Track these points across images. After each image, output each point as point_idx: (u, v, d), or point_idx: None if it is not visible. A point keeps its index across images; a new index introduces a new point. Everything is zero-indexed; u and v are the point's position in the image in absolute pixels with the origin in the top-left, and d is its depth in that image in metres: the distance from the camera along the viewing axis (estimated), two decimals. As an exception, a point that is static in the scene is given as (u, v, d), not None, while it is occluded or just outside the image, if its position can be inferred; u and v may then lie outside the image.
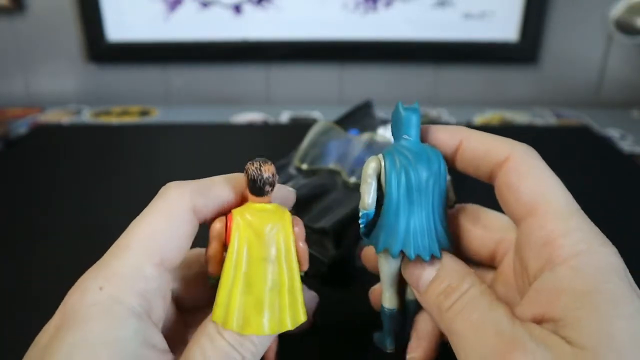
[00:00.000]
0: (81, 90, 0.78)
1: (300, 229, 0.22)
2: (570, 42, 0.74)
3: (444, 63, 0.76)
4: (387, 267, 0.24)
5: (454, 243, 0.23)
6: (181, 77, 0.77)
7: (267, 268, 0.21)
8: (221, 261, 0.22)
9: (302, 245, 0.22)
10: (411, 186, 0.22)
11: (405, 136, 0.23)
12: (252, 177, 0.21)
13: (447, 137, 0.24)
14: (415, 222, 0.22)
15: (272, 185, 0.21)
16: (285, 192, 0.24)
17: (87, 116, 0.71)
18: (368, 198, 0.23)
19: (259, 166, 0.21)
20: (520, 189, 0.21)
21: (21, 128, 0.66)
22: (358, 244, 0.37)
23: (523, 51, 0.73)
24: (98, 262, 0.20)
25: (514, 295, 0.22)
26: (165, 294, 0.21)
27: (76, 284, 0.20)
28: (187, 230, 0.21)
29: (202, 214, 0.22)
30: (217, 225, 0.22)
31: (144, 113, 0.72)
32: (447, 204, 0.24)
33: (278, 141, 0.59)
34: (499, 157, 0.22)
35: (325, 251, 0.35)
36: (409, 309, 0.26)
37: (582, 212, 0.21)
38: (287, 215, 0.22)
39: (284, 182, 0.41)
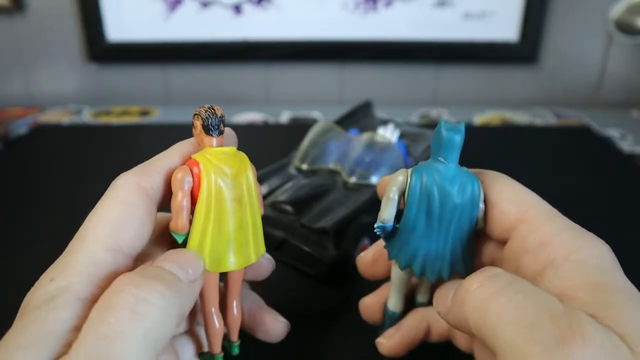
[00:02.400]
0: (81, 90, 0.78)
1: (255, 173, 0.23)
2: (570, 42, 0.74)
3: (444, 63, 0.76)
4: (397, 273, 0.24)
5: (472, 268, 0.22)
6: (181, 77, 0.77)
7: (234, 208, 0.22)
8: (189, 213, 0.21)
9: (259, 187, 0.24)
10: (432, 213, 0.21)
11: (440, 158, 0.21)
12: (207, 115, 0.22)
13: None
14: (429, 246, 0.22)
15: (225, 124, 0.22)
16: (232, 137, 0.25)
17: (87, 116, 0.71)
18: (386, 214, 0.22)
19: (209, 107, 0.22)
20: (502, 202, 0.21)
21: (21, 128, 0.66)
22: (358, 244, 0.37)
23: (523, 51, 0.73)
24: (57, 259, 0.20)
25: None
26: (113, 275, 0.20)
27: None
28: (140, 213, 0.21)
29: (153, 192, 0.21)
30: (179, 175, 0.21)
31: (144, 113, 0.72)
32: (475, 230, 0.23)
33: (278, 141, 0.59)
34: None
35: (325, 251, 0.34)
36: None
37: (561, 214, 0.21)
38: (245, 158, 0.23)
39: (283, 182, 0.41)
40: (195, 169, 0.21)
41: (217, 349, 0.24)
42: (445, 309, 0.21)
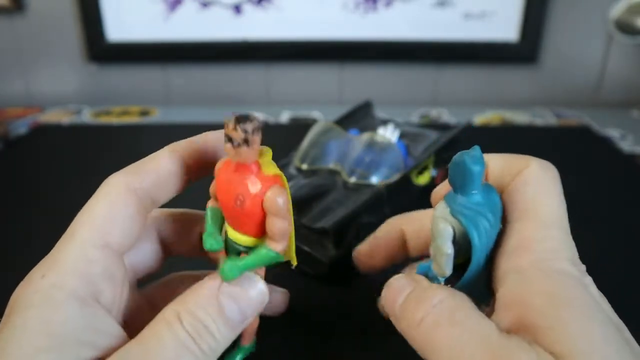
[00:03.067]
0: (81, 90, 0.78)
1: None
2: (570, 42, 0.74)
3: (444, 63, 0.76)
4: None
5: (489, 298, 0.21)
6: (181, 77, 0.77)
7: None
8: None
9: None
10: (489, 243, 0.21)
11: (475, 191, 0.20)
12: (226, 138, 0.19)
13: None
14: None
15: (247, 142, 0.19)
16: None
17: (87, 116, 0.71)
18: (447, 269, 0.21)
19: (232, 127, 0.19)
20: (519, 194, 0.21)
21: (21, 128, 0.66)
22: (358, 244, 0.37)
23: (523, 51, 0.73)
24: (46, 255, 0.20)
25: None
26: (114, 277, 0.20)
27: (25, 278, 0.20)
28: (128, 212, 0.21)
29: (142, 192, 0.22)
30: (282, 200, 0.20)
31: (144, 113, 0.72)
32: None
33: (278, 141, 0.59)
34: (518, 168, 0.22)
35: (326, 251, 0.35)
36: None
37: (567, 229, 0.20)
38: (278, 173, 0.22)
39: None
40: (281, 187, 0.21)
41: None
42: (392, 316, 0.21)
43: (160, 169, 0.22)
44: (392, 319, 0.21)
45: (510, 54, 0.74)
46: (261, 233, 0.21)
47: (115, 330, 0.19)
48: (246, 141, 0.19)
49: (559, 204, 0.21)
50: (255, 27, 0.73)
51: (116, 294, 0.20)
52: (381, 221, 0.28)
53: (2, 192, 0.50)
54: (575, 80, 0.77)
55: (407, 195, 0.42)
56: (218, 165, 0.21)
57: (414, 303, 0.20)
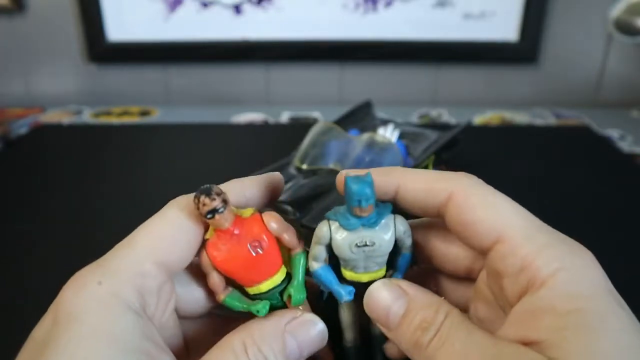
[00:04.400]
0: (81, 91, 0.78)
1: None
2: (570, 42, 0.74)
3: (444, 63, 0.76)
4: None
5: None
6: (181, 77, 0.77)
7: None
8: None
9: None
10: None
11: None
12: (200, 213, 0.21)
13: (382, 183, 0.23)
14: None
15: (225, 202, 0.21)
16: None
17: (87, 116, 0.71)
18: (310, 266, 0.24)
19: (197, 201, 0.20)
20: (475, 223, 0.21)
21: (21, 128, 0.66)
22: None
23: (523, 51, 0.73)
24: (98, 260, 0.20)
25: (496, 313, 0.22)
26: (162, 294, 0.21)
27: (73, 278, 0.20)
28: (190, 238, 0.21)
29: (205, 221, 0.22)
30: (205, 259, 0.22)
31: (144, 113, 0.72)
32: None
33: (278, 141, 0.59)
34: (440, 197, 0.22)
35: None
36: (375, 344, 0.26)
37: (541, 223, 0.20)
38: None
39: (284, 182, 0.41)
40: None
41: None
42: (385, 328, 0.22)
43: (236, 204, 0.23)
44: (384, 329, 0.22)
45: (510, 54, 0.74)
46: (281, 261, 0.23)
47: (162, 343, 0.20)
48: (225, 202, 0.21)
49: (515, 208, 0.21)
50: (255, 27, 0.73)
51: (160, 310, 0.21)
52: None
53: (2, 192, 0.50)
54: (575, 80, 0.77)
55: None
56: (208, 252, 0.22)
57: (418, 321, 0.20)
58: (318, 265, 0.23)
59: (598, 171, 0.54)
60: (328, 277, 0.23)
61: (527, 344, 0.18)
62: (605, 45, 0.75)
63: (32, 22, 0.73)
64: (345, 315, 0.25)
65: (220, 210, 0.20)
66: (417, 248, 0.24)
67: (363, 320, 0.25)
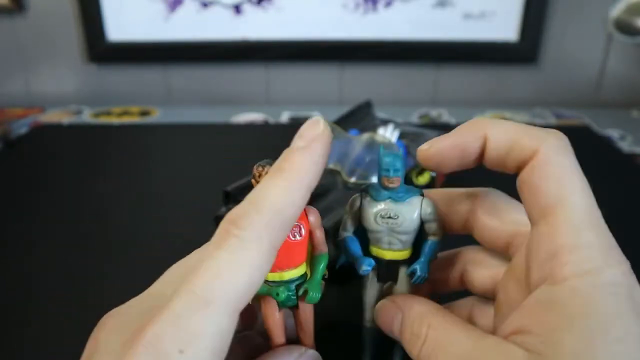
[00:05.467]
0: (81, 91, 0.78)
1: None
2: (570, 42, 0.74)
3: (444, 63, 0.76)
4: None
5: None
6: (181, 77, 0.77)
7: None
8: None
9: None
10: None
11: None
12: None
13: (468, 133, 0.22)
14: None
15: None
16: None
17: (87, 116, 0.71)
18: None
19: (261, 169, 0.21)
20: (540, 190, 0.20)
21: (22, 128, 0.66)
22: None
23: (523, 51, 0.73)
24: (169, 313, 0.17)
25: (522, 293, 0.21)
26: (229, 342, 0.18)
27: (146, 338, 0.17)
28: (263, 274, 0.18)
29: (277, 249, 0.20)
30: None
31: (144, 113, 0.72)
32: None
33: (278, 141, 0.59)
34: (525, 152, 0.20)
35: (325, 251, 0.35)
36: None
37: (601, 221, 0.20)
38: None
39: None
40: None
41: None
42: (394, 336, 0.23)
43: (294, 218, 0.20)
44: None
45: (510, 54, 0.74)
46: (306, 255, 0.23)
47: None
48: None
49: (585, 194, 0.20)
50: (255, 27, 0.73)
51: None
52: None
53: (2, 192, 0.50)
54: (575, 80, 0.77)
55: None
56: None
57: (409, 335, 0.22)
58: (346, 234, 0.24)
59: (598, 171, 0.54)
60: (353, 246, 0.24)
61: (525, 332, 0.18)
62: (605, 45, 0.75)
63: (32, 22, 0.73)
64: (369, 294, 0.26)
65: None
66: (459, 217, 0.25)
67: None
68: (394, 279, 0.25)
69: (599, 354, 0.16)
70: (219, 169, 0.53)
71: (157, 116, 0.71)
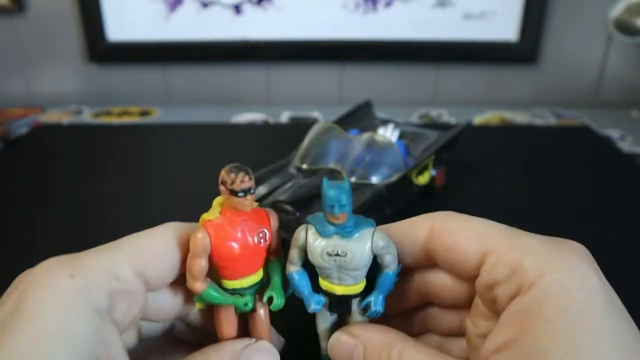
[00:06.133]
0: (81, 91, 0.78)
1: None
2: (570, 42, 0.74)
3: (444, 63, 0.76)
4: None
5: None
6: (181, 77, 0.77)
7: None
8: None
9: None
10: None
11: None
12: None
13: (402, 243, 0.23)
14: None
15: (249, 191, 0.21)
16: None
17: (87, 116, 0.71)
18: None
19: (234, 176, 0.20)
20: (459, 245, 0.21)
21: (21, 128, 0.66)
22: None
23: (523, 51, 0.73)
24: (75, 253, 0.20)
25: (493, 321, 0.21)
26: (133, 303, 0.20)
27: (45, 264, 0.19)
28: (174, 258, 0.21)
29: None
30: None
31: (144, 113, 0.72)
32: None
33: (278, 141, 0.59)
34: (422, 234, 0.22)
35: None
36: None
37: (523, 231, 0.21)
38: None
39: (284, 182, 0.41)
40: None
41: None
42: None
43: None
44: None
45: (510, 54, 0.74)
46: (264, 260, 0.23)
47: (123, 352, 0.19)
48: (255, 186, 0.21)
49: (490, 222, 0.21)
50: (255, 27, 0.73)
51: (127, 320, 0.20)
52: (381, 221, 0.28)
53: (2, 192, 0.50)
54: (575, 80, 0.77)
55: (407, 195, 0.42)
56: (211, 233, 0.21)
57: None
58: (294, 269, 0.23)
59: (598, 171, 0.54)
60: (301, 283, 0.23)
61: (509, 348, 0.18)
62: (605, 45, 0.75)
63: (32, 22, 0.73)
64: (320, 324, 0.24)
65: (252, 191, 0.20)
66: (415, 290, 0.24)
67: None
68: (347, 311, 0.24)
69: (582, 353, 0.16)
70: (219, 169, 0.53)
71: (157, 116, 0.71)
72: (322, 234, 0.21)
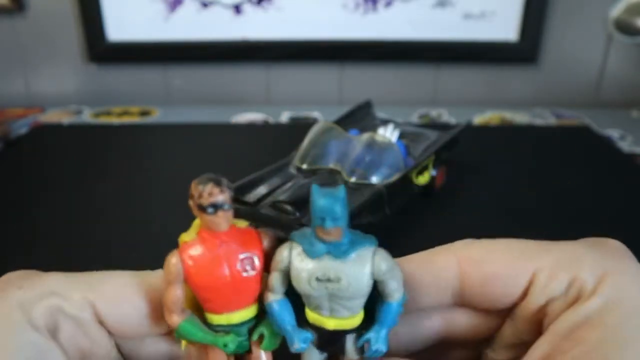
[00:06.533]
0: (81, 91, 0.78)
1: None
2: (570, 42, 0.74)
3: (444, 63, 0.76)
4: None
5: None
6: (181, 77, 0.77)
7: None
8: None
9: None
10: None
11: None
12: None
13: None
14: None
15: (220, 207, 0.17)
16: None
17: (87, 116, 0.71)
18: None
19: (201, 188, 0.17)
20: (502, 270, 0.19)
21: (21, 128, 0.66)
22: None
23: (523, 51, 0.73)
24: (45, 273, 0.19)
25: (521, 352, 0.20)
26: (79, 332, 0.19)
27: (10, 274, 0.19)
28: (134, 297, 0.19)
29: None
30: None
31: (144, 113, 0.72)
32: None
33: (278, 141, 0.59)
34: (449, 268, 0.19)
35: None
36: None
37: (547, 242, 0.19)
38: None
39: (283, 182, 0.41)
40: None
41: None
42: None
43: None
44: None
45: (510, 54, 0.74)
46: (259, 292, 0.19)
47: None
48: (231, 200, 0.17)
49: (515, 242, 0.19)
50: (255, 27, 0.73)
51: (74, 351, 0.19)
52: (381, 221, 0.28)
53: (2, 192, 0.50)
54: (575, 80, 0.77)
55: (407, 196, 0.42)
56: (183, 257, 0.18)
57: None
58: (273, 298, 0.18)
59: (598, 171, 0.54)
60: (283, 315, 0.18)
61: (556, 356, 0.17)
62: (605, 45, 0.75)
63: (32, 22, 0.73)
64: None
65: (225, 207, 0.17)
66: (429, 332, 0.21)
67: None
68: (341, 351, 0.19)
69: None
70: (219, 169, 0.53)
71: (157, 116, 0.71)
72: (310, 254, 0.17)
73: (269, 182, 0.41)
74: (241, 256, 0.18)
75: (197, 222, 0.18)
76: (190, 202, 0.17)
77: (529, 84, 0.77)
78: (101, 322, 0.19)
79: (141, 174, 0.53)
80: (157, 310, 0.19)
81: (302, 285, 0.17)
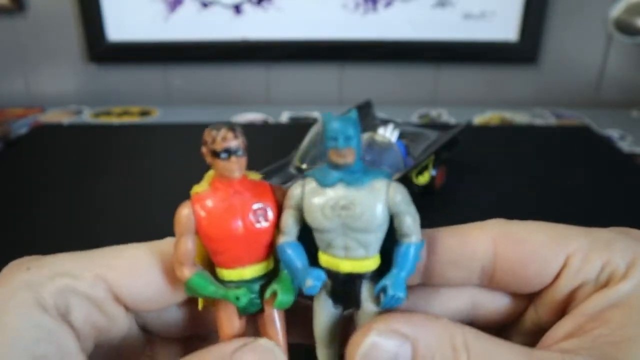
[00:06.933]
0: (81, 91, 0.78)
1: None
2: (570, 42, 0.74)
3: (444, 63, 0.76)
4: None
5: None
6: (181, 77, 0.77)
7: None
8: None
9: None
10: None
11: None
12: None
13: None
14: None
15: (234, 152, 0.17)
16: None
17: (87, 116, 0.71)
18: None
19: (215, 133, 0.17)
20: (539, 250, 0.18)
21: (21, 128, 0.66)
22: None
23: (523, 51, 0.73)
24: (56, 254, 0.19)
25: (536, 340, 0.19)
26: (93, 310, 0.19)
27: (18, 260, 0.19)
28: (148, 268, 0.19)
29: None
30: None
31: (144, 113, 0.72)
32: None
33: (278, 141, 0.59)
34: (483, 245, 0.19)
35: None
36: None
37: (574, 226, 0.19)
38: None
39: (283, 182, 0.41)
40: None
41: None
42: None
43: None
44: None
45: (510, 54, 0.74)
46: (271, 247, 0.18)
47: (79, 356, 0.18)
48: (245, 147, 0.17)
49: (553, 226, 0.19)
50: (255, 27, 0.73)
51: (89, 330, 0.19)
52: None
53: (2, 192, 0.50)
54: (575, 80, 0.77)
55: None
56: (195, 207, 0.18)
57: None
58: (285, 239, 0.17)
59: (598, 171, 0.54)
60: (294, 256, 0.17)
61: (583, 333, 0.17)
62: (605, 45, 0.75)
63: (32, 22, 0.73)
64: (320, 324, 0.18)
65: (239, 153, 0.16)
66: (455, 311, 0.20)
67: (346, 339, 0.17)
68: (356, 303, 0.18)
69: None
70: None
71: (157, 116, 0.71)
72: (323, 183, 0.17)
73: (269, 181, 0.41)
74: (255, 206, 0.17)
75: (209, 174, 0.18)
76: (203, 149, 0.17)
77: (529, 84, 0.77)
78: (117, 298, 0.19)
79: (141, 174, 0.53)
80: (174, 278, 0.18)
81: (315, 216, 0.17)
